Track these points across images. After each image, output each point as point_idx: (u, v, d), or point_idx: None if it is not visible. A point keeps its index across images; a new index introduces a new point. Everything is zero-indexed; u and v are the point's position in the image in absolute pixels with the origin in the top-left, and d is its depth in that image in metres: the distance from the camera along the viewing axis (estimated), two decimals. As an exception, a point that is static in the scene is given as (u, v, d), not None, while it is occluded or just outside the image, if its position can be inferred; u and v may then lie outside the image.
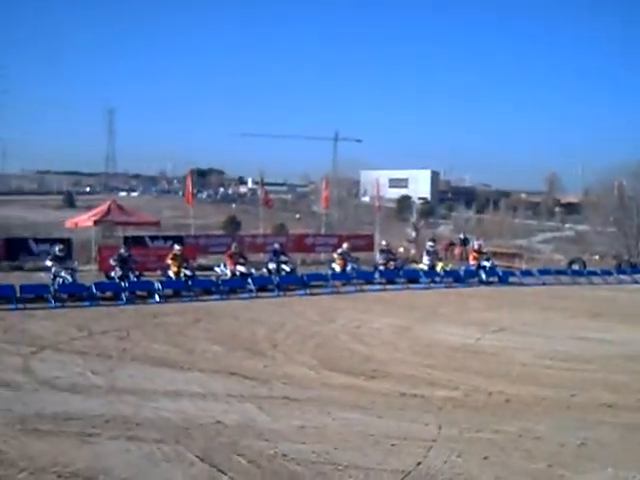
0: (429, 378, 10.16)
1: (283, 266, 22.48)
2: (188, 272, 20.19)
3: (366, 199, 76.34)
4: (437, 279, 23.52)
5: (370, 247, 30.01)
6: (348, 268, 23.52)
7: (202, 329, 14.36)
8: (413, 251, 32.93)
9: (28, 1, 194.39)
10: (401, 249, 31.99)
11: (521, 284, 23.93)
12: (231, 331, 14.09)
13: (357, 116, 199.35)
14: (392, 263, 24.36)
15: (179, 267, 20.21)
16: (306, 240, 30.48)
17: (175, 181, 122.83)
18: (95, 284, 18.34)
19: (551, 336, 13.86)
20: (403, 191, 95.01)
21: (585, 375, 10.41)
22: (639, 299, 21.52)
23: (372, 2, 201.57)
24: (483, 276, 23.97)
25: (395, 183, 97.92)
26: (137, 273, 19.81)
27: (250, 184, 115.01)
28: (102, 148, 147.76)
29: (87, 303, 17.34)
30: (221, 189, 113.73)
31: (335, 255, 24.38)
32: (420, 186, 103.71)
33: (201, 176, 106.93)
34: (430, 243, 25.88)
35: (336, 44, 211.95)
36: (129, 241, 24.21)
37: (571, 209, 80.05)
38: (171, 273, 20.28)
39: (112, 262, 19.91)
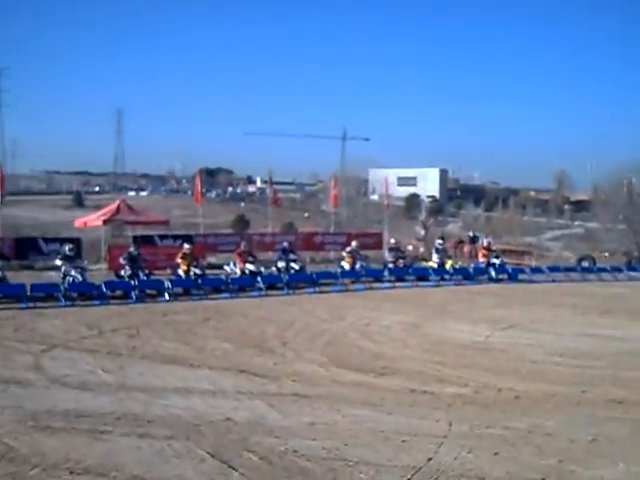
0: (439, 375, 10.15)
1: (292, 264, 22.49)
2: (197, 271, 20.26)
3: (375, 197, 76.25)
4: (446, 277, 23.51)
5: (379, 245, 30.03)
6: (357, 266, 23.56)
7: (212, 327, 14.40)
8: (422, 249, 32.89)
9: (28, 0, 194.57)
10: (410, 247, 32.02)
11: (530, 281, 23.88)
12: (241, 329, 14.13)
13: (365, 115, 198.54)
14: (401, 261, 24.39)
15: (188, 266, 20.27)
16: (315, 238, 30.51)
17: (184, 180, 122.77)
18: (105, 283, 18.41)
19: (561, 333, 13.84)
20: (412, 189, 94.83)
21: (595, 372, 10.37)
22: (649, 296, 21.41)
23: (377, 2, 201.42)
24: (492, 273, 23.93)
25: (404, 181, 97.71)
26: (147, 272, 19.90)
27: (259, 183, 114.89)
28: (111, 148, 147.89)
29: (97, 302, 17.41)
30: (230, 188, 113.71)
31: (344, 253, 24.42)
32: (429, 184, 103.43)
33: (210, 175, 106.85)
34: (439, 241, 25.88)
35: (341, 43, 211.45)
36: (138, 240, 24.32)
37: (580, 206, 79.61)
38: (181, 272, 20.34)
39: (122, 261, 19.98)
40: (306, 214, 66.67)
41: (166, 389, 9.14)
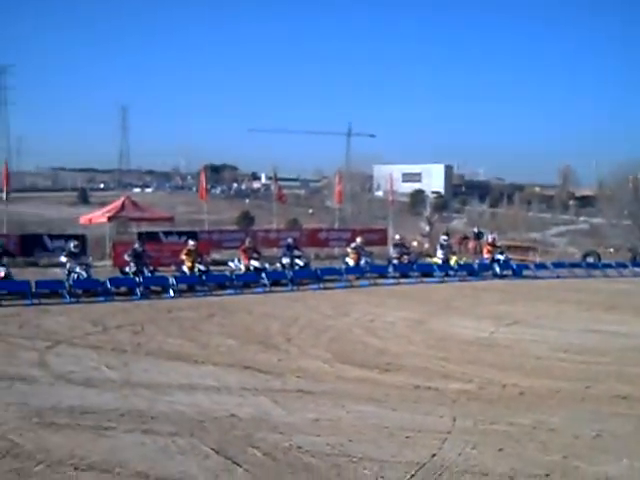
0: (443, 371, 10.15)
1: (297, 260, 22.50)
2: (202, 267, 20.26)
3: (379, 193, 76.29)
4: (451, 273, 23.49)
5: (384, 241, 30.00)
6: (362, 262, 23.53)
7: (216, 323, 14.41)
8: (427, 245, 32.93)
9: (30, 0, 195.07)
10: (415, 243, 32.00)
11: (535, 277, 23.83)
12: (245, 325, 14.13)
13: (368, 112, 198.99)
14: (406, 257, 24.39)
15: (193, 262, 20.28)
16: (320, 235, 30.53)
17: (189, 177, 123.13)
18: (110, 279, 18.44)
19: (565, 329, 13.81)
20: (416, 185, 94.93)
21: (599, 367, 10.35)
22: (655, 292, 21.36)
23: (377, 2, 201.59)
24: (497, 269, 23.91)
25: (408, 177, 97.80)
26: (151, 268, 19.90)
27: (263, 179, 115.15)
28: (115, 145, 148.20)
29: (102, 298, 17.43)
30: (234, 185, 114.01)
31: (349, 249, 24.40)
32: (434, 180, 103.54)
33: (214, 172, 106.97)
34: (444, 237, 25.85)
35: (342, 42, 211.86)
36: (143, 237, 24.31)
37: (585, 202, 79.59)
38: (185, 268, 20.34)
39: (126, 258, 19.98)
40: (310, 210, 66.77)
41: (170, 385, 9.15)
